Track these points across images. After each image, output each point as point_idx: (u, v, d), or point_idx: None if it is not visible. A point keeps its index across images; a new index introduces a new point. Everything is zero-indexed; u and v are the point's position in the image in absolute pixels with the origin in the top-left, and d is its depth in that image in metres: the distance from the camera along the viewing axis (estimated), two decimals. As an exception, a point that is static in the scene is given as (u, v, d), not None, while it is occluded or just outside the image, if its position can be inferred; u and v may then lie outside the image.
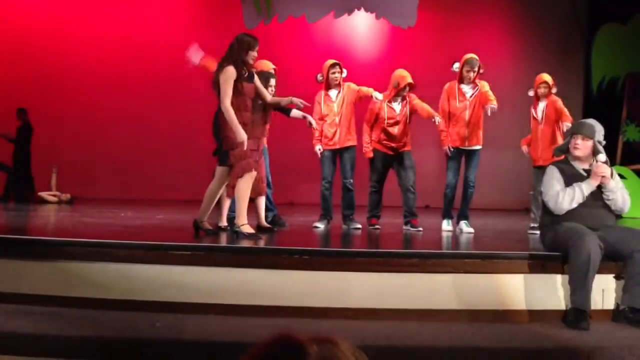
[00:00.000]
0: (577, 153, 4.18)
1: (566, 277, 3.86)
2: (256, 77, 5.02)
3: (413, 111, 6.16)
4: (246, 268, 3.90)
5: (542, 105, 6.38)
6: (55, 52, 10.85)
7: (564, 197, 4.06)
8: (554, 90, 6.39)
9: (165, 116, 10.88)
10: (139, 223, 6.19)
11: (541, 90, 6.37)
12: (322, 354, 1.15)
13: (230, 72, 4.71)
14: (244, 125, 4.78)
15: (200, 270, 3.89)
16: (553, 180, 4.16)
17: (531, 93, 6.48)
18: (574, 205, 4.06)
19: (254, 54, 4.84)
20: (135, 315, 3.63)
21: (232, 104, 4.73)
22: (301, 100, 5.44)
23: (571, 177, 4.13)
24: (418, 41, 11.53)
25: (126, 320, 3.53)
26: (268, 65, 6.12)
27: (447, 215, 6.28)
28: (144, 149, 10.82)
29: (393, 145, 6.15)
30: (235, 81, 4.74)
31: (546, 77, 6.40)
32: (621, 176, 10.77)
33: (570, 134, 4.27)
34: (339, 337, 1.20)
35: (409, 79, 6.07)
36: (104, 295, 3.81)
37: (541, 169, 5.94)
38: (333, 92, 6.27)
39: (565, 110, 6.28)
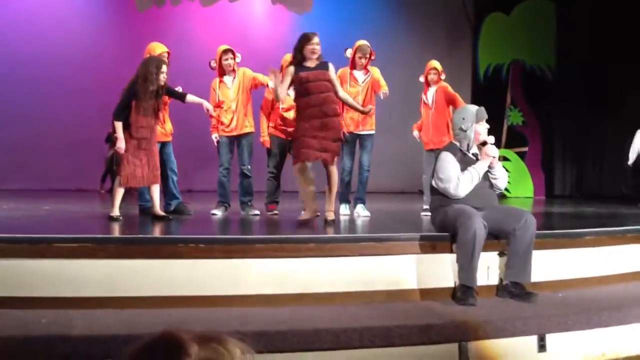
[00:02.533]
0: (490, 138, 4.30)
1: (454, 256, 4.05)
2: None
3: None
4: (140, 259, 3.79)
5: (432, 91, 6.61)
6: None
7: (464, 180, 4.19)
8: (443, 77, 6.64)
9: (51, 103, 10.27)
10: (22, 214, 5.85)
11: (431, 77, 6.61)
12: (204, 354, 1.10)
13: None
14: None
15: (91, 262, 3.73)
16: (449, 166, 4.21)
17: (422, 79, 6.71)
18: (471, 187, 4.21)
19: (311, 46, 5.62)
20: (21, 313, 3.43)
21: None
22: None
23: (464, 162, 4.27)
24: (314, 28, 11.57)
25: (11, 318, 3.33)
26: (161, 48, 5.88)
27: (344, 199, 6.40)
28: (28, 137, 10.17)
29: (289, 130, 6.17)
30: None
31: (435, 64, 6.64)
32: (506, 159, 11.45)
33: (474, 122, 4.26)
34: (237, 327, 1.17)
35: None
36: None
37: (432, 153, 6.18)
38: (228, 79, 6.18)
39: (457, 95, 6.53)
